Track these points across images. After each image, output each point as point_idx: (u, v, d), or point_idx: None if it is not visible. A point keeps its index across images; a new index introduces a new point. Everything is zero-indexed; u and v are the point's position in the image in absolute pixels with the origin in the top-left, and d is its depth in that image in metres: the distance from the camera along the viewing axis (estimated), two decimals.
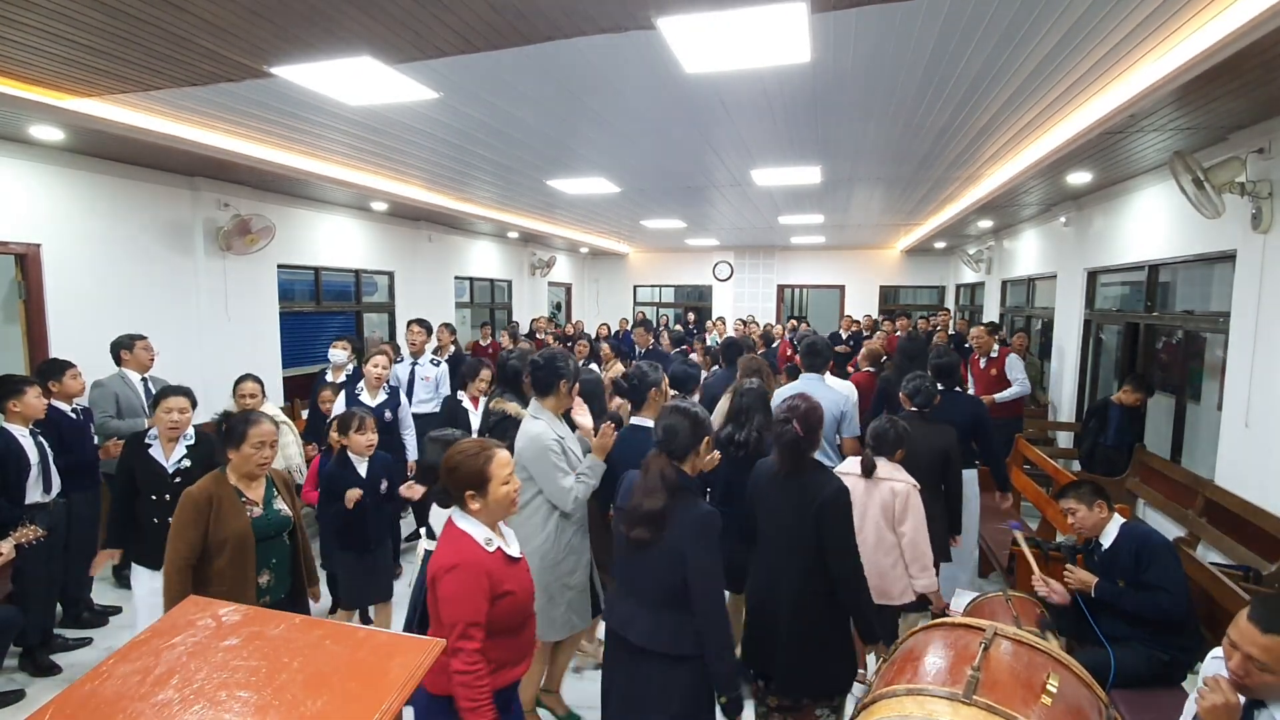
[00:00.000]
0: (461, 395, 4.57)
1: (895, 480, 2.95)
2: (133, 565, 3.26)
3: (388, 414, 4.49)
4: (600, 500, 3.07)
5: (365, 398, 4.45)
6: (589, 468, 2.87)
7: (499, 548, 2.00)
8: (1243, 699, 1.72)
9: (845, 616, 2.37)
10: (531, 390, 3.03)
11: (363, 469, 3.41)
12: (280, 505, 2.70)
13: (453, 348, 6.46)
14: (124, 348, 4.39)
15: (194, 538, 2.44)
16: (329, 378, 5.23)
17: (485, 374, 4.55)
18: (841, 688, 2.40)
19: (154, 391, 4.39)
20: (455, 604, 1.85)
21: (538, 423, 2.91)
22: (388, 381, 4.63)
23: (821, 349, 4.21)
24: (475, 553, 1.92)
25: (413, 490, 3.45)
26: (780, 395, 3.69)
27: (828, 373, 4.31)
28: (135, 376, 4.39)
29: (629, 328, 10.47)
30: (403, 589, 3.92)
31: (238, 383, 4.28)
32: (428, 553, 2.66)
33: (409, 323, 5.73)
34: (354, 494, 3.30)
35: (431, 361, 5.65)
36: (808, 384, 4.02)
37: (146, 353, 4.46)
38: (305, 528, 2.87)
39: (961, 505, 3.57)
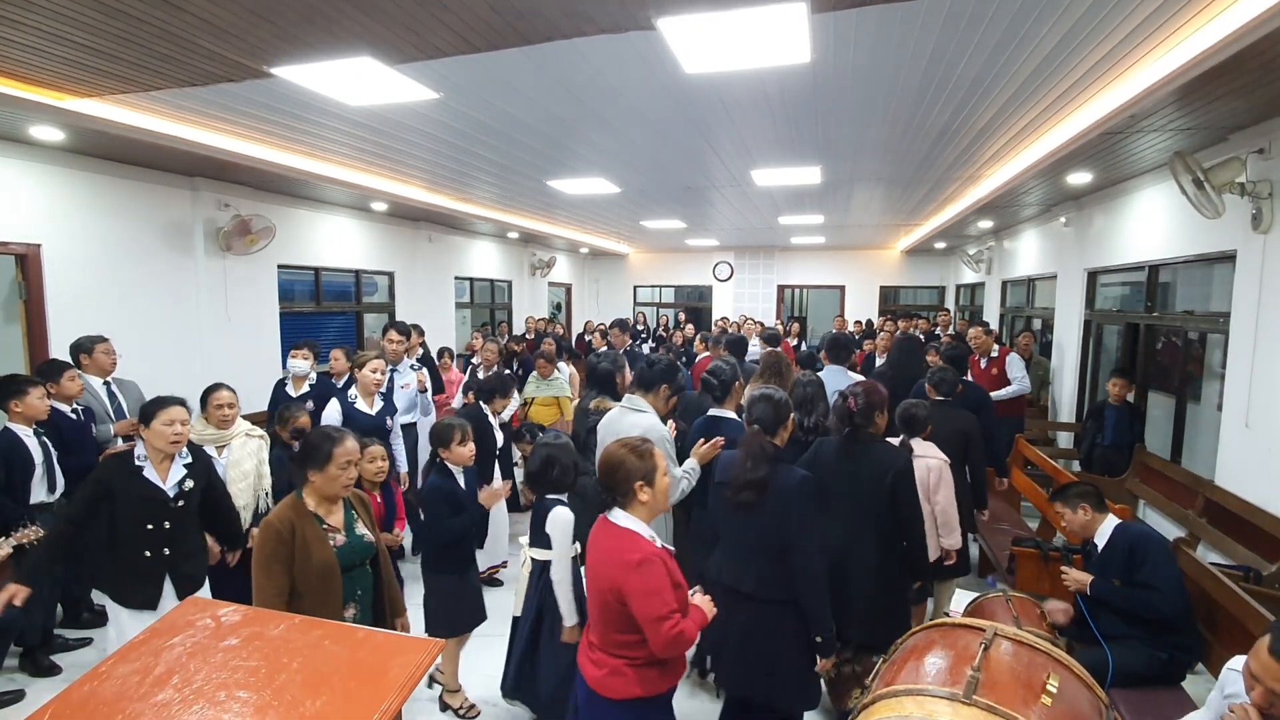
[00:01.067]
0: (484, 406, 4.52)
1: (930, 457, 3.32)
2: (110, 604, 2.82)
3: (389, 421, 4.28)
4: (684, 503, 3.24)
5: (361, 405, 4.20)
6: (690, 469, 3.00)
7: (663, 544, 2.05)
8: None
9: (907, 571, 2.77)
10: (636, 387, 3.23)
11: (462, 481, 3.17)
12: (362, 530, 2.42)
13: (421, 349, 6.18)
14: (83, 351, 4.16)
15: (283, 576, 2.16)
16: (290, 389, 4.78)
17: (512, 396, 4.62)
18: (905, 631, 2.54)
19: (118, 395, 4.30)
20: (656, 596, 1.89)
21: (649, 415, 3.10)
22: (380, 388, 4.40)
23: (846, 342, 4.64)
24: (650, 546, 1.96)
25: (495, 495, 3.26)
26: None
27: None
28: (97, 381, 4.19)
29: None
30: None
31: (209, 392, 3.55)
32: (534, 561, 2.79)
33: (385, 329, 5.29)
34: (502, 490, 3.24)
35: (411, 366, 5.22)
36: (831, 375, 4.24)
37: (107, 356, 4.23)
38: (387, 552, 2.62)
39: (985, 481, 3.94)
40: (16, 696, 3.36)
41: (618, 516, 2.04)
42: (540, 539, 2.78)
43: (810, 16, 2.68)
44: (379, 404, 4.28)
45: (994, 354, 6.13)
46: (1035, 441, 6.17)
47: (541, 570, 2.79)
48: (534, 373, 6.12)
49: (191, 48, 3.02)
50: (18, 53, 3.08)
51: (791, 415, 2.63)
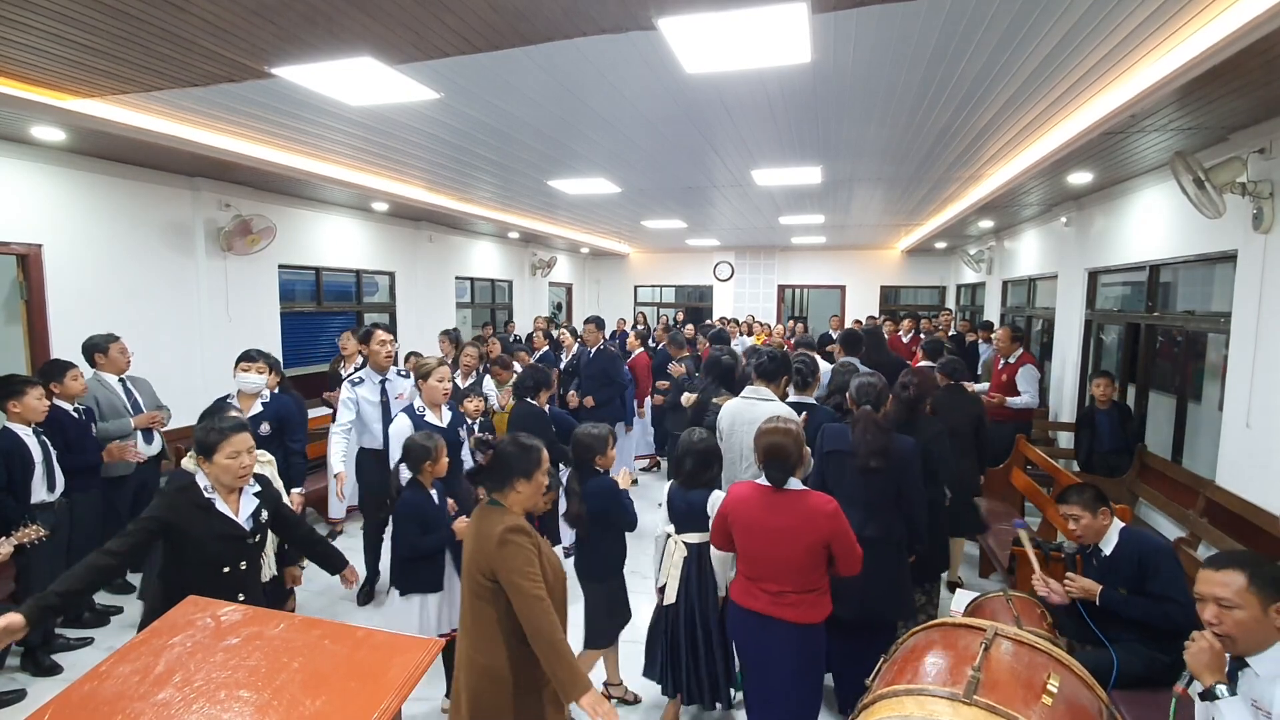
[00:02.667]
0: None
1: None
2: None
3: (461, 433, 3.87)
4: None
5: (430, 418, 3.69)
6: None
7: None
8: (1228, 657, 1.84)
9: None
10: (759, 378, 3.60)
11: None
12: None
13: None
14: (98, 350, 4.22)
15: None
16: (238, 409, 3.70)
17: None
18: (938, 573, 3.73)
19: (134, 391, 4.35)
20: (849, 533, 2.46)
21: (777, 402, 3.50)
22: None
23: (860, 337, 5.01)
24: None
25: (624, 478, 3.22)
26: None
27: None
28: (112, 379, 4.26)
29: (626, 328, 10.45)
30: None
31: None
32: (688, 545, 3.02)
33: (372, 328, 4.59)
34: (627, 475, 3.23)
35: (400, 374, 4.55)
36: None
37: (122, 355, 4.30)
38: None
39: (988, 453, 4.45)
40: (18, 696, 3.36)
41: (792, 484, 2.51)
42: (695, 524, 2.99)
43: (811, 16, 2.67)
44: (448, 415, 3.84)
45: (1013, 359, 5.97)
46: (1036, 441, 6.17)
47: (699, 553, 3.00)
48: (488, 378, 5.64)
49: (192, 48, 3.03)
50: (19, 53, 3.09)
51: (891, 396, 3.27)
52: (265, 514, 2.53)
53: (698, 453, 3.00)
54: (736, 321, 10.92)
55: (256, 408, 3.81)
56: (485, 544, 2.02)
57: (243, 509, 2.45)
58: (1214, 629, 1.84)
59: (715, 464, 3.04)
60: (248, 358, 3.80)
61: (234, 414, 3.18)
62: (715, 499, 2.93)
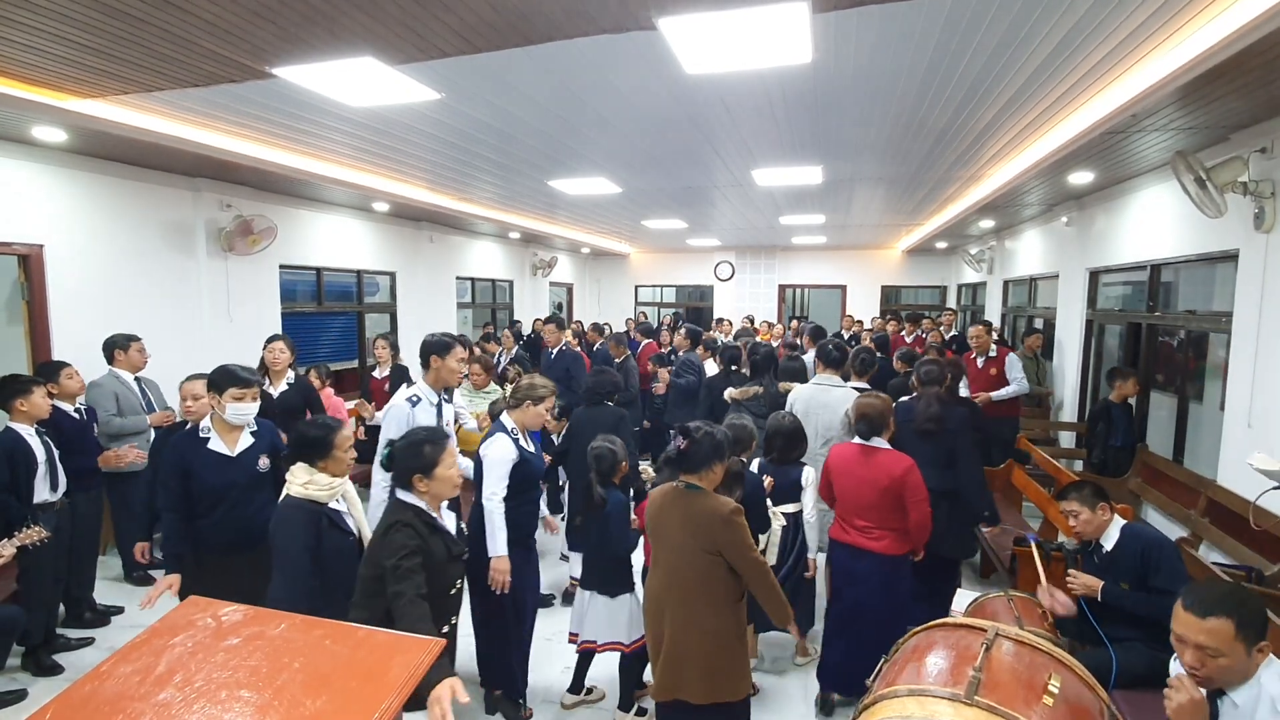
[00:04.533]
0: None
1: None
2: None
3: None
4: None
5: (525, 442, 3.19)
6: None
7: None
8: (1204, 691, 1.78)
9: None
10: (825, 366, 4.17)
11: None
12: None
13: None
14: (118, 347, 4.38)
15: None
16: (217, 447, 2.98)
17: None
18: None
19: (148, 392, 4.44)
20: (921, 488, 3.04)
21: (845, 387, 4.04)
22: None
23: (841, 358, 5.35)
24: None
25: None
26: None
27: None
28: (129, 376, 4.40)
29: (633, 328, 10.45)
30: None
31: (334, 430, 2.70)
32: (785, 515, 3.41)
33: (449, 340, 3.62)
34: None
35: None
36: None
37: (141, 355, 4.47)
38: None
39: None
40: (19, 696, 3.37)
41: (877, 442, 3.15)
42: (789, 497, 3.43)
43: (811, 16, 2.67)
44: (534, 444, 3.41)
45: (992, 353, 6.08)
46: (1036, 441, 6.16)
47: (795, 522, 3.42)
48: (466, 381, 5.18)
49: (193, 48, 3.03)
50: (19, 53, 3.09)
51: (949, 374, 3.93)
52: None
53: (786, 433, 3.47)
54: (730, 321, 10.94)
55: (245, 441, 3.01)
56: (707, 522, 2.35)
57: (450, 525, 2.41)
58: (1194, 672, 1.79)
59: (802, 443, 3.45)
60: (240, 381, 2.95)
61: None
62: (807, 475, 3.45)
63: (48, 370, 3.86)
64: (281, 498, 2.48)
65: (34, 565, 3.40)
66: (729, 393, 4.86)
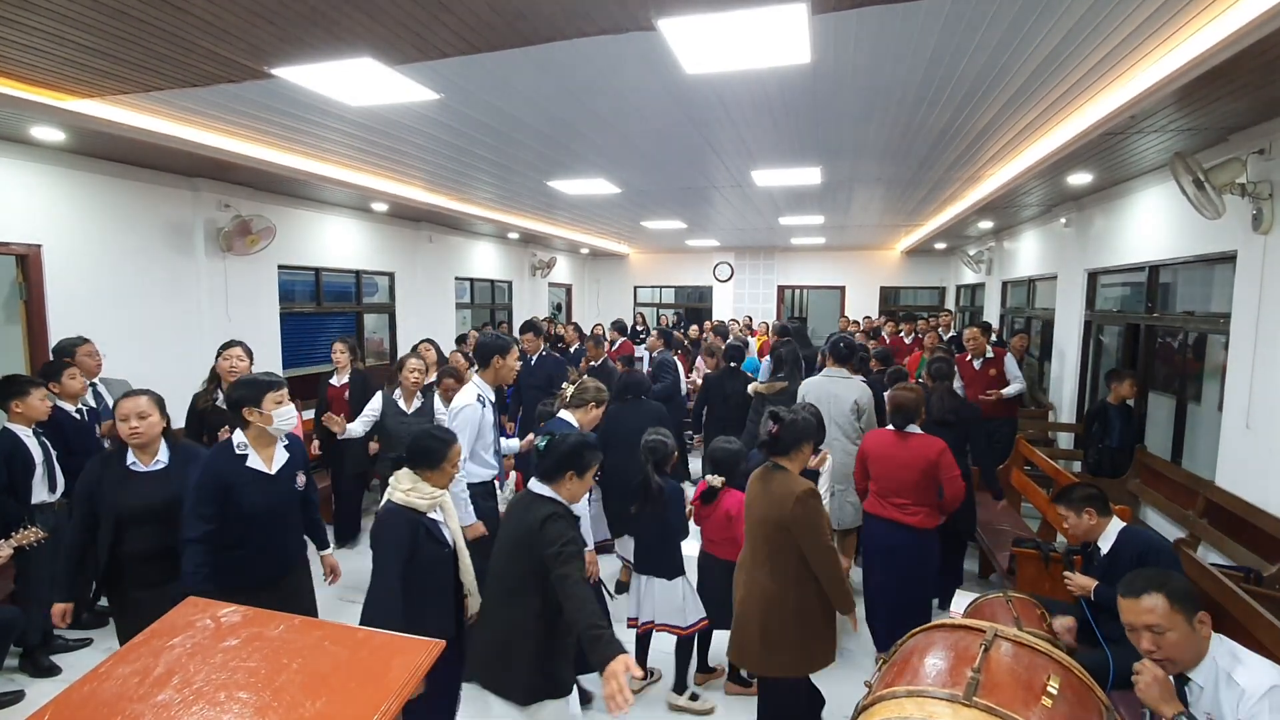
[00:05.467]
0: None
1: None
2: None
3: None
4: None
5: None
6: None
7: None
8: (1172, 679, 1.94)
9: None
10: (834, 361, 4.42)
11: None
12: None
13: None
14: (65, 354, 4.06)
15: None
16: (256, 464, 2.69)
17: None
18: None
19: (104, 396, 4.21)
20: (954, 467, 3.42)
21: (855, 379, 4.43)
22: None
23: (855, 349, 5.56)
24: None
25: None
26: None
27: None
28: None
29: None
30: None
31: (449, 442, 2.62)
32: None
33: (504, 339, 3.57)
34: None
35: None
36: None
37: (90, 359, 4.18)
38: None
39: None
40: (16, 697, 3.36)
41: (911, 429, 3.53)
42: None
43: (811, 17, 2.68)
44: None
45: (989, 354, 6.09)
46: (1035, 442, 6.17)
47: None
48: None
49: (192, 48, 3.03)
50: (18, 53, 3.08)
51: (955, 370, 4.58)
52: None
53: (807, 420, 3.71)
54: (731, 322, 11.01)
55: (280, 456, 2.75)
56: (782, 501, 2.54)
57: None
58: (1153, 656, 1.96)
59: (822, 430, 3.53)
60: (275, 384, 2.73)
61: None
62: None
63: (53, 370, 3.84)
64: (382, 503, 2.49)
65: (32, 566, 3.39)
66: (754, 387, 5.22)
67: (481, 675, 2.27)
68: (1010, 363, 6.05)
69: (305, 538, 2.94)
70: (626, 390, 4.42)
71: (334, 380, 5.41)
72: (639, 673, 1.92)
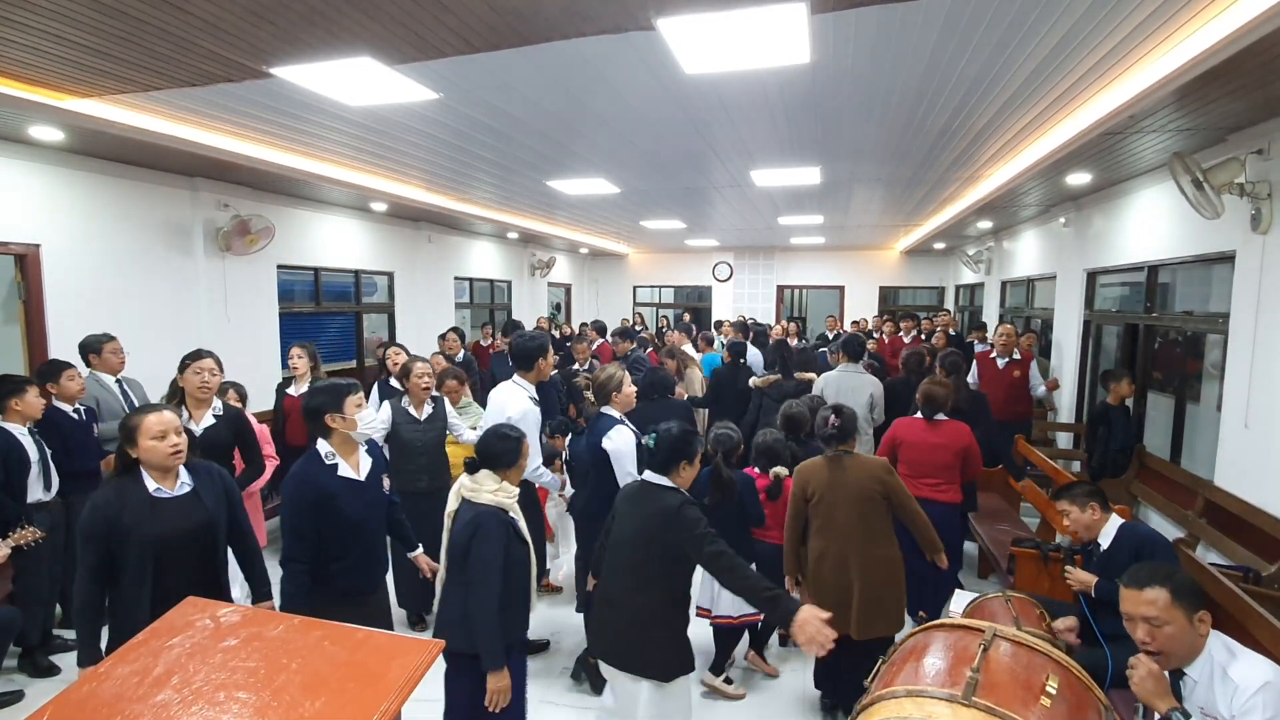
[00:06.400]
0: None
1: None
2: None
3: None
4: None
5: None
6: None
7: None
8: (1167, 674, 1.95)
9: None
10: (847, 359, 4.99)
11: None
12: None
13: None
14: (91, 350, 4.18)
15: None
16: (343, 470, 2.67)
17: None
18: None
19: (130, 394, 4.28)
20: (977, 451, 3.94)
21: (869, 375, 4.95)
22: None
23: (863, 341, 5.72)
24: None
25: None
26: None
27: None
28: (109, 379, 4.23)
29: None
30: None
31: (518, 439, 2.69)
32: None
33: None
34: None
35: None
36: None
37: (115, 355, 4.25)
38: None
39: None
40: (15, 697, 3.36)
41: (940, 417, 3.94)
42: None
43: (810, 17, 2.67)
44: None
45: (1016, 355, 5.98)
46: (1035, 442, 6.17)
47: None
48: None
49: (191, 48, 3.02)
50: (17, 53, 3.08)
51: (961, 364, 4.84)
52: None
53: (796, 416, 4.07)
54: (729, 322, 11.01)
55: (365, 461, 2.66)
56: (871, 473, 3.10)
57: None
58: (1147, 647, 1.96)
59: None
60: (354, 387, 2.62)
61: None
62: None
63: (49, 371, 3.84)
64: (475, 506, 2.46)
65: (30, 566, 3.39)
66: (753, 380, 5.55)
67: (617, 659, 2.42)
68: (1035, 371, 6.00)
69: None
70: (653, 389, 4.44)
71: (291, 390, 4.93)
72: (826, 614, 2.06)
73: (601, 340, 8.29)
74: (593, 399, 3.50)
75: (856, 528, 3.04)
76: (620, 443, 3.28)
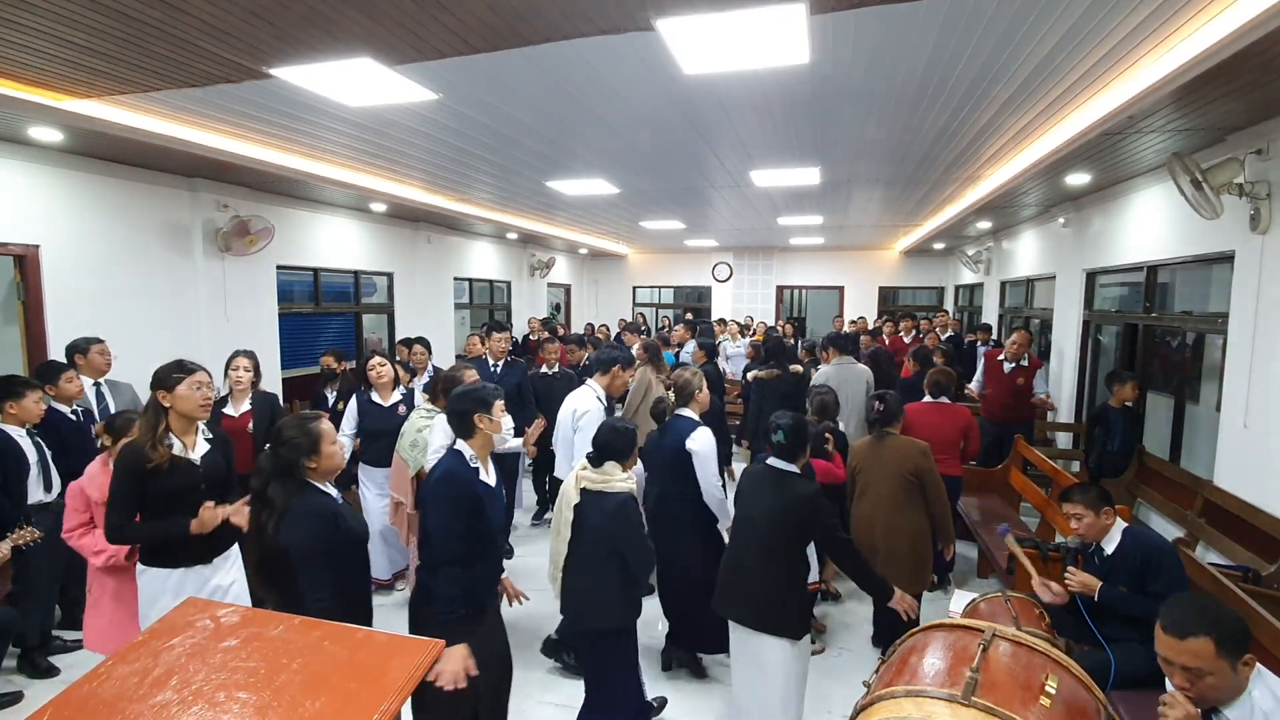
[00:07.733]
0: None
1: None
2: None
3: None
4: None
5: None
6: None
7: None
8: (1200, 710, 1.75)
9: None
10: (839, 352, 5.41)
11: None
12: None
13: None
14: (78, 351, 4.12)
15: None
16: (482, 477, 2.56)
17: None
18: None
19: (106, 396, 4.18)
20: (978, 430, 4.53)
21: (860, 366, 5.37)
22: None
23: (855, 339, 6.25)
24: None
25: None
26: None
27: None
28: (87, 381, 4.10)
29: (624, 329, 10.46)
30: None
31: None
32: None
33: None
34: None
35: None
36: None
37: (102, 357, 4.19)
38: None
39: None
40: (15, 698, 3.35)
41: (943, 400, 4.48)
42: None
43: (809, 17, 2.68)
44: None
45: (1024, 362, 5.94)
46: (1034, 442, 6.17)
47: None
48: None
49: (190, 49, 3.02)
50: (16, 53, 3.08)
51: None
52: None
53: (831, 402, 4.33)
54: (727, 322, 11.02)
55: (493, 469, 2.56)
56: (908, 454, 3.54)
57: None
58: (1185, 692, 1.77)
59: (837, 407, 4.33)
60: (499, 392, 2.53)
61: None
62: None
63: (47, 372, 3.83)
64: (608, 495, 2.72)
65: (29, 566, 3.39)
66: (754, 373, 5.97)
67: (756, 621, 2.73)
68: (1040, 379, 5.98)
69: None
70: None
71: (229, 410, 4.13)
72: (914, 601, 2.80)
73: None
74: (672, 399, 3.69)
75: (887, 499, 3.53)
76: (704, 443, 3.42)
